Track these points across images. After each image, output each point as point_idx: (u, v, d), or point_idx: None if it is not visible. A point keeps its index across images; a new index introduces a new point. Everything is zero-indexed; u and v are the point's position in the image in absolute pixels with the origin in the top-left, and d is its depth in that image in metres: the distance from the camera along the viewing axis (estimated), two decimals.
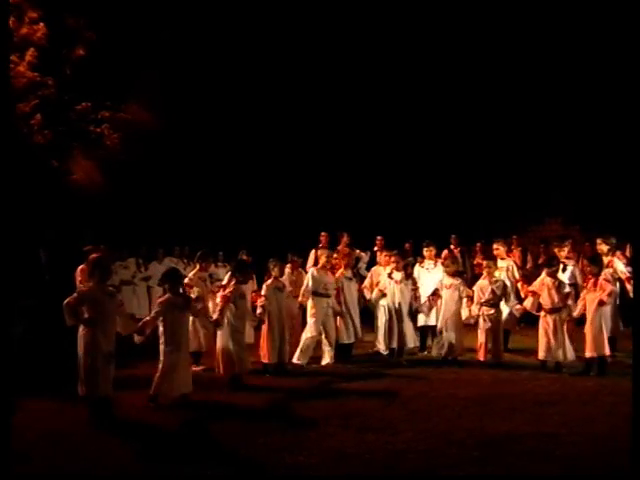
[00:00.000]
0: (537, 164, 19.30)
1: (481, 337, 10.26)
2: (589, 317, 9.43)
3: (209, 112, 18.49)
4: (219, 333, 9.06)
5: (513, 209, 19.59)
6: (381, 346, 11.25)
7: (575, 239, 15.94)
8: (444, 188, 20.11)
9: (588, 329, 9.40)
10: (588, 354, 9.39)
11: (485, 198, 19.73)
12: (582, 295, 9.76)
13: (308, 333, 10.47)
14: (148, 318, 8.00)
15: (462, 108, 19.80)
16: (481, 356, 10.20)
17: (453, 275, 10.72)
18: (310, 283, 10.52)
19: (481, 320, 10.27)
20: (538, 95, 19.06)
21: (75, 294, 7.42)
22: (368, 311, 11.72)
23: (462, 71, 19.55)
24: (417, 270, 11.87)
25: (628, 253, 14.35)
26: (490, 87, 19.34)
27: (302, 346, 10.40)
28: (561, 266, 10.11)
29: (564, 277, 10.17)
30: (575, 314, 9.73)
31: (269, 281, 10.21)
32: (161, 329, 7.94)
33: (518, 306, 10.26)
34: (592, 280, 9.56)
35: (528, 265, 16.92)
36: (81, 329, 7.23)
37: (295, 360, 10.31)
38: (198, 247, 11.64)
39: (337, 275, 11.23)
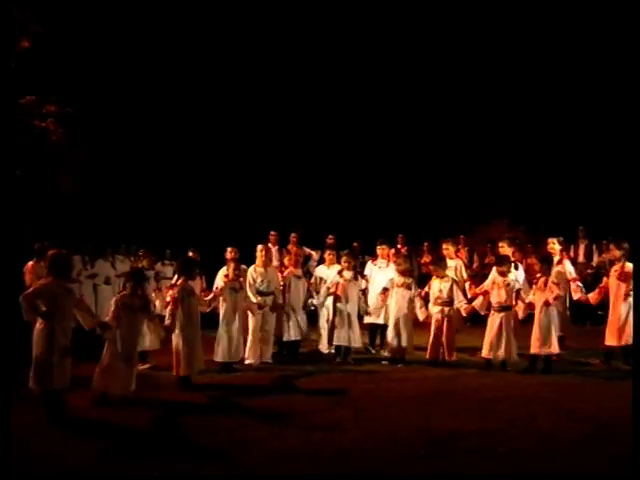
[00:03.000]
0: (484, 166, 19.62)
1: (432, 336, 10.23)
2: (537, 315, 9.60)
3: (159, 109, 18.33)
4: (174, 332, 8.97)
5: (460, 209, 19.84)
6: (323, 346, 11.24)
7: (520, 240, 16.22)
8: (392, 188, 20.29)
9: (535, 327, 9.56)
10: (533, 351, 9.55)
11: (432, 198, 19.96)
12: (530, 294, 9.90)
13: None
14: (109, 319, 7.98)
15: (412, 110, 20.02)
16: (430, 354, 10.23)
17: (404, 274, 10.75)
18: (251, 281, 10.55)
19: (434, 319, 10.31)
20: (485, 100, 19.38)
21: (32, 288, 7.37)
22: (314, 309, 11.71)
23: (417, 77, 19.77)
24: (370, 268, 11.88)
25: (572, 254, 14.70)
26: (441, 90, 19.60)
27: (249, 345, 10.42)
28: (512, 265, 10.21)
29: (515, 275, 10.27)
30: (520, 315, 9.90)
31: (226, 280, 10.18)
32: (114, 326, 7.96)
33: (465, 305, 10.31)
34: (542, 279, 9.73)
35: (475, 265, 17.18)
36: (38, 323, 7.19)
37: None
38: (145, 245, 11.52)
39: (285, 273, 11.22)
